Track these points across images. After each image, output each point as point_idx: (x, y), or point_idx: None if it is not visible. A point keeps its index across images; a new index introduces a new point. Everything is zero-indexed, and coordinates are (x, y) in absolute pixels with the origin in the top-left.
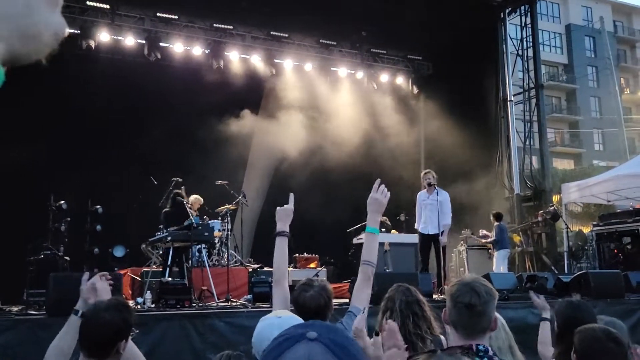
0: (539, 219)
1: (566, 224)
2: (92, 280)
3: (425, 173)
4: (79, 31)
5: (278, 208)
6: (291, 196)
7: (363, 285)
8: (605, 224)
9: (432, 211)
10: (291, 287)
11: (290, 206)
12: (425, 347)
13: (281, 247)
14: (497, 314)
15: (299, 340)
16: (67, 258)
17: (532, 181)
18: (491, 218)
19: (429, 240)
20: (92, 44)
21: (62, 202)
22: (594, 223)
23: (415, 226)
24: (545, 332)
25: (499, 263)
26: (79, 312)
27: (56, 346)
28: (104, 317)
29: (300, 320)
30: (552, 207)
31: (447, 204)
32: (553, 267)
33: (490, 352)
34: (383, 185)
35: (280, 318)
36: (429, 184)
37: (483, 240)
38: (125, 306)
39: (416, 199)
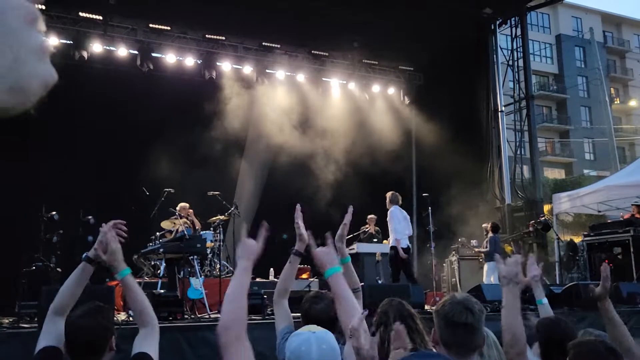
0: (530, 229)
1: (557, 234)
2: (102, 230)
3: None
4: (71, 42)
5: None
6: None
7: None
8: (596, 234)
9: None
10: (291, 299)
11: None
12: None
13: (292, 265)
14: (488, 330)
15: None
16: (59, 270)
17: (523, 191)
18: (488, 227)
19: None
20: (85, 54)
21: (54, 212)
22: (585, 233)
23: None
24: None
25: (489, 274)
26: (93, 261)
27: (68, 288)
28: (81, 324)
29: (332, 336)
30: (543, 217)
31: None
32: (544, 278)
33: None
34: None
35: (315, 333)
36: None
37: (476, 249)
38: (100, 311)
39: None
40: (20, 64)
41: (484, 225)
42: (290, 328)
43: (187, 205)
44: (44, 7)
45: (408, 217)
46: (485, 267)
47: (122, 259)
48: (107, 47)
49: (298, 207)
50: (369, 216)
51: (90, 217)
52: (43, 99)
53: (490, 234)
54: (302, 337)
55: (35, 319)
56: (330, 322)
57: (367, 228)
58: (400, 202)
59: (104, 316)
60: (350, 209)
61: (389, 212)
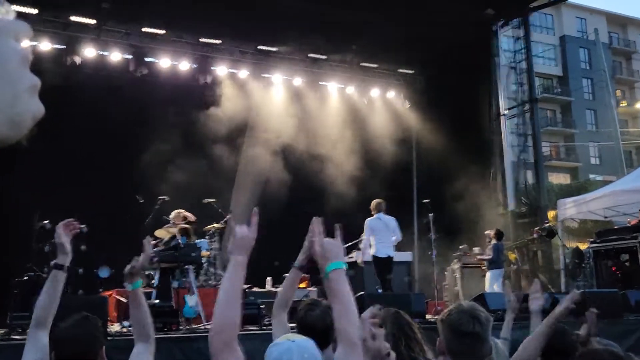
0: (535, 235)
1: (562, 241)
2: (56, 233)
3: (380, 203)
4: (64, 46)
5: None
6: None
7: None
8: (602, 240)
9: (385, 235)
10: (294, 309)
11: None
12: None
13: (293, 279)
14: (497, 340)
15: None
16: None
17: (527, 197)
18: (491, 234)
19: (384, 263)
20: (77, 59)
21: (46, 221)
22: (591, 240)
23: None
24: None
25: (492, 282)
26: (63, 267)
27: (44, 299)
28: (70, 335)
29: (312, 343)
30: (548, 224)
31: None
32: (549, 286)
33: None
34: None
35: (294, 342)
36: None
37: (478, 257)
38: (89, 320)
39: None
40: (18, 101)
41: (486, 232)
42: None
43: (182, 210)
44: (35, 11)
45: (389, 224)
46: (488, 275)
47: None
48: (100, 52)
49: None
50: None
51: (83, 225)
52: (32, 131)
53: (494, 241)
54: (283, 346)
55: (27, 331)
56: (326, 330)
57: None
58: (382, 209)
59: (92, 326)
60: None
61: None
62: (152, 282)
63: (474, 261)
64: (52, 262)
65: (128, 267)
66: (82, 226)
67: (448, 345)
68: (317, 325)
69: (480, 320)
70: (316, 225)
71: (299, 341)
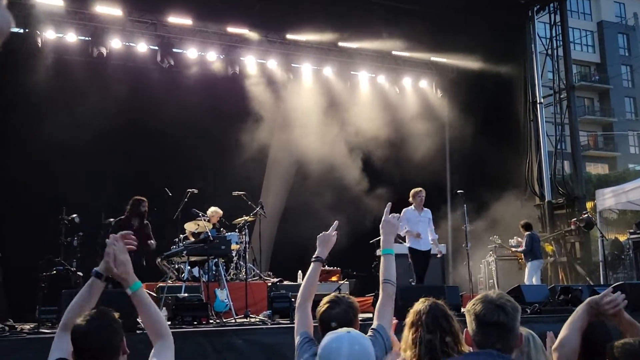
0: (572, 227)
1: (601, 232)
2: (108, 242)
3: (419, 190)
4: (89, 38)
5: (320, 234)
6: (335, 223)
7: (386, 303)
8: None
9: (425, 228)
10: (315, 302)
11: (330, 232)
12: None
13: (314, 272)
14: (534, 334)
15: None
16: (80, 274)
17: (564, 187)
18: (520, 228)
19: (423, 256)
20: (104, 51)
21: (75, 215)
22: (631, 231)
23: (410, 243)
24: None
25: (531, 274)
26: (102, 276)
27: (77, 304)
28: (89, 329)
29: (367, 339)
30: (586, 215)
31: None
32: (588, 278)
33: None
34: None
35: (349, 333)
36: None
37: (513, 249)
38: (106, 314)
39: (403, 216)
40: None
41: (521, 222)
42: (307, 334)
43: (220, 210)
44: (61, 3)
45: (423, 218)
46: (528, 266)
47: (132, 271)
48: (127, 43)
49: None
50: None
51: (112, 219)
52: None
53: (526, 233)
54: (336, 335)
55: (56, 325)
56: (346, 326)
57: None
58: (417, 198)
59: (110, 319)
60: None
61: (430, 214)
62: (182, 275)
63: (509, 253)
64: (94, 270)
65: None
66: (135, 243)
67: (474, 336)
68: (338, 323)
69: (505, 310)
70: (388, 208)
71: (353, 333)
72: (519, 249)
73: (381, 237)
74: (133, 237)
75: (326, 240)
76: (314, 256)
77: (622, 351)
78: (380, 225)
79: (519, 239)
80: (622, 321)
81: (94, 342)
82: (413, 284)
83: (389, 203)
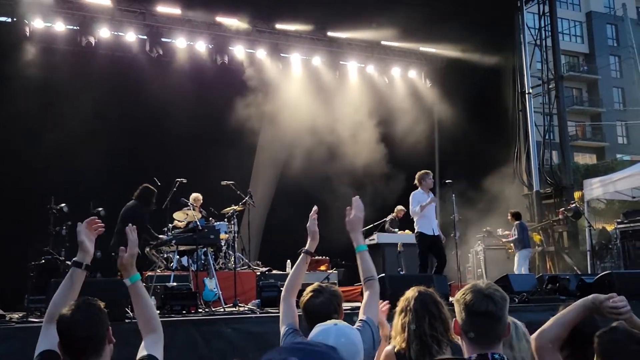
0: (560, 216)
1: (589, 222)
2: (78, 230)
3: (426, 173)
4: (77, 27)
5: (309, 224)
6: (313, 209)
7: (373, 298)
8: (630, 221)
9: (433, 212)
10: (300, 291)
11: (310, 219)
12: (441, 351)
13: (301, 265)
14: (519, 323)
15: None
16: (69, 262)
17: (552, 177)
18: (509, 217)
19: (432, 242)
20: (92, 40)
21: (63, 204)
22: (618, 220)
23: (420, 228)
24: None
25: (521, 264)
26: (82, 265)
27: (60, 296)
28: (75, 319)
29: (356, 332)
30: (574, 204)
31: None
32: (575, 268)
33: None
34: (359, 200)
35: (337, 325)
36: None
37: (504, 240)
38: (91, 304)
39: (414, 199)
40: None
41: (510, 211)
42: (292, 326)
43: (200, 196)
44: None
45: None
46: (517, 255)
47: (134, 263)
48: (115, 33)
49: (315, 209)
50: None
51: (100, 209)
52: None
53: (515, 222)
54: (324, 327)
55: (45, 314)
56: (329, 315)
57: (393, 216)
58: (425, 182)
59: (95, 309)
60: (357, 198)
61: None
62: (171, 264)
63: (498, 243)
64: (72, 260)
65: (118, 260)
66: (102, 226)
67: (462, 325)
68: (320, 312)
69: (494, 299)
70: (355, 200)
71: (341, 325)
72: (509, 239)
73: (351, 235)
74: (99, 222)
75: (314, 232)
76: (303, 249)
77: (608, 341)
78: (348, 222)
79: (507, 231)
80: (632, 326)
81: (79, 331)
82: (402, 273)
83: (356, 197)
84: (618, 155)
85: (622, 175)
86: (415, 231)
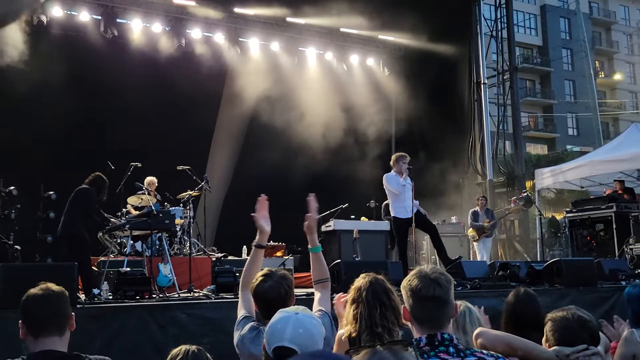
0: (512, 205)
1: (539, 211)
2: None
3: (403, 156)
4: None
5: (256, 216)
6: (261, 197)
7: (325, 296)
8: (578, 210)
9: (409, 195)
10: None
11: (258, 212)
12: (392, 339)
13: (254, 258)
14: (473, 308)
15: None
16: (18, 247)
17: (505, 166)
18: (479, 201)
19: (407, 225)
20: (44, 19)
21: (12, 187)
22: (567, 209)
23: (395, 213)
24: None
25: (488, 249)
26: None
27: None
28: (34, 303)
29: (317, 320)
30: (525, 193)
31: None
32: (525, 255)
33: (455, 340)
34: (314, 201)
35: (297, 314)
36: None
37: (486, 226)
38: (50, 290)
39: (389, 182)
40: None
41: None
42: (248, 313)
43: (155, 180)
44: None
45: (407, 184)
46: (485, 241)
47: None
48: (68, 12)
49: (262, 197)
50: None
51: (51, 192)
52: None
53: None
54: (283, 314)
55: None
56: (281, 300)
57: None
58: (400, 163)
59: (61, 292)
60: (313, 198)
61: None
62: (125, 249)
63: (451, 231)
64: (255, 243)
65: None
66: (266, 198)
67: (411, 311)
68: (269, 295)
69: (440, 283)
70: (260, 202)
71: (301, 315)
72: (486, 224)
73: (308, 237)
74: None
75: (261, 226)
76: (253, 242)
77: (558, 325)
78: (306, 228)
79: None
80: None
81: (40, 317)
82: (357, 259)
83: (311, 198)
84: (568, 146)
85: (571, 165)
86: (392, 216)
